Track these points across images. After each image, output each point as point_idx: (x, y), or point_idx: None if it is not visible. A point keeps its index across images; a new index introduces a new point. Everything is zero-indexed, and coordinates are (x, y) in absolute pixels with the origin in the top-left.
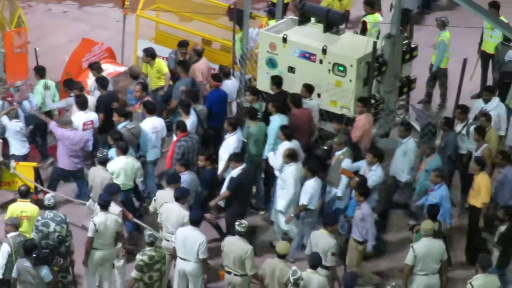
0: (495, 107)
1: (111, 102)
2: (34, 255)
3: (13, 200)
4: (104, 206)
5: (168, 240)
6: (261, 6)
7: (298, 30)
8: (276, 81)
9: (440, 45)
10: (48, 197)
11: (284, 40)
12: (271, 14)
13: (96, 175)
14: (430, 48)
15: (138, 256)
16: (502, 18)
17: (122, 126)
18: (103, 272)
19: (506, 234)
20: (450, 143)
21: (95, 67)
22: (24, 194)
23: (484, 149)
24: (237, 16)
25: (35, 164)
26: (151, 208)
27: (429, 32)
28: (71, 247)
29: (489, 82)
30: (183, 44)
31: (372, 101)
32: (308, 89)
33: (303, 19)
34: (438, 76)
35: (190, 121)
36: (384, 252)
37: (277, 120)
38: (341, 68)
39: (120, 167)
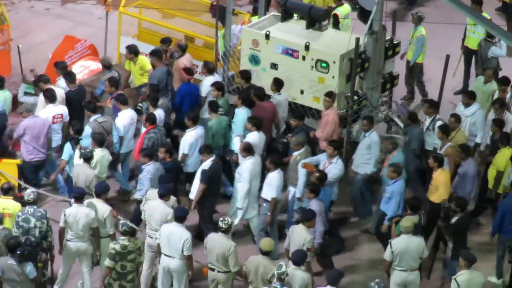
0: (472, 113)
1: (80, 97)
2: (18, 252)
3: None
4: (79, 199)
5: (151, 237)
6: (244, 2)
7: (281, 27)
8: (245, 75)
9: (418, 40)
10: (28, 193)
11: (267, 36)
12: (254, 11)
13: (80, 172)
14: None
15: (111, 245)
16: (484, 14)
17: (93, 119)
18: (82, 266)
19: (458, 225)
20: (415, 138)
21: (60, 67)
22: (6, 191)
23: (447, 148)
24: (219, 13)
25: (18, 161)
26: (141, 206)
27: (411, 29)
28: (53, 243)
29: (472, 78)
30: (165, 41)
31: (355, 97)
32: (277, 84)
33: (286, 16)
34: (414, 72)
35: (157, 114)
36: (341, 250)
37: (242, 113)
38: (324, 65)
39: (96, 159)
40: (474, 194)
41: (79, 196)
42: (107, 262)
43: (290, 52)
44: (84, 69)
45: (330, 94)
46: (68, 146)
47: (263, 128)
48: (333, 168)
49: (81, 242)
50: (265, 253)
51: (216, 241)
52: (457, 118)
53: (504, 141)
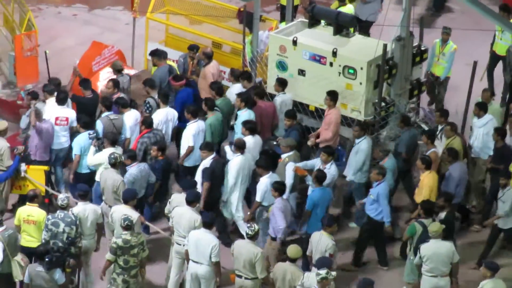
0: (484, 124)
1: (94, 104)
2: (47, 260)
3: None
4: (83, 196)
5: (179, 244)
6: (271, 9)
7: (308, 33)
8: (246, 75)
9: (452, 55)
10: (62, 197)
11: (294, 42)
12: (282, 17)
13: (108, 178)
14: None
15: (113, 239)
16: None
17: (105, 115)
18: (85, 261)
19: (447, 220)
20: (402, 141)
21: (47, 90)
22: (31, 198)
23: (431, 153)
24: (247, 19)
25: (46, 167)
26: (166, 210)
27: (439, 35)
28: (81, 249)
29: (499, 83)
30: (192, 48)
31: (383, 104)
32: (281, 83)
33: (313, 22)
34: (442, 85)
35: (167, 111)
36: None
37: (245, 114)
38: (351, 71)
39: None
40: (459, 199)
41: (84, 193)
42: (108, 255)
43: (317, 58)
44: (111, 75)
45: (331, 93)
46: (78, 140)
47: (264, 128)
48: (327, 173)
49: (87, 240)
50: (292, 260)
51: (243, 248)
52: (453, 126)
53: None
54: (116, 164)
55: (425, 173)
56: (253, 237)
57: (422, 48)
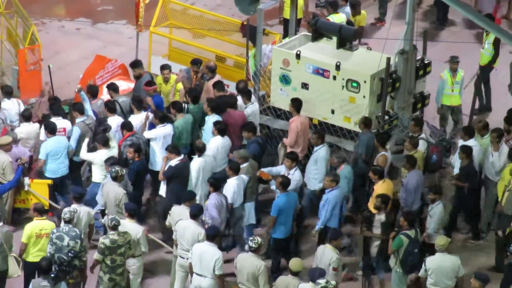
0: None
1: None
2: (52, 275)
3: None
4: (78, 199)
5: (183, 257)
6: (274, 22)
7: (312, 46)
8: (218, 84)
9: (462, 81)
10: (66, 211)
11: (298, 56)
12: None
13: (110, 191)
14: (444, 64)
15: (101, 239)
16: None
17: (80, 120)
18: None
19: (387, 222)
20: (362, 143)
21: (112, 88)
22: (40, 212)
23: (380, 156)
24: (250, 33)
25: (49, 181)
26: (166, 223)
27: (442, 48)
28: (86, 263)
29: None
30: (196, 62)
31: (386, 117)
32: (246, 95)
33: (316, 35)
34: (455, 112)
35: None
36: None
37: (212, 120)
38: (354, 84)
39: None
40: (417, 205)
41: (79, 196)
42: (95, 255)
43: (321, 72)
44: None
45: (293, 101)
46: (45, 145)
47: (233, 136)
48: (290, 179)
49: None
50: (294, 273)
51: (246, 261)
52: (412, 140)
53: None
54: (118, 178)
55: (379, 183)
56: (256, 250)
57: (426, 62)
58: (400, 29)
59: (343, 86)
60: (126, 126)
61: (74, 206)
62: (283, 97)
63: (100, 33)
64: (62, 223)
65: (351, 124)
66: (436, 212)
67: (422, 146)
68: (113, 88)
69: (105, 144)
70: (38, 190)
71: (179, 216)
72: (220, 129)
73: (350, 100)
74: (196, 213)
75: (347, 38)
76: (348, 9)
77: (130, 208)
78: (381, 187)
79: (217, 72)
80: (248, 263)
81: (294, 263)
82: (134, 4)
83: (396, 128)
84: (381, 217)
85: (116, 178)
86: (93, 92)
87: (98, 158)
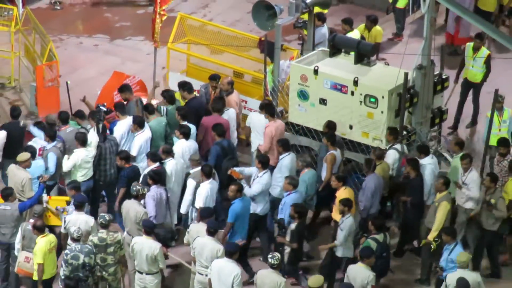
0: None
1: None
2: None
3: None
4: (79, 207)
5: (201, 274)
6: (292, 38)
7: (329, 62)
8: (188, 86)
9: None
10: (76, 229)
11: (316, 72)
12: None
13: (131, 209)
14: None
15: (90, 237)
16: None
17: (52, 145)
18: None
19: (297, 231)
20: (323, 149)
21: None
22: (42, 229)
23: (328, 154)
24: (268, 48)
25: (67, 198)
26: (184, 240)
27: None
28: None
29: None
30: (214, 77)
31: (404, 132)
32: (219, 101)
33: (334, 51)
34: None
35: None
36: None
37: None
38: (372, 100)
39: (81, 158)
40: (375, 209)
41: (80, 204)
42: None
43: (338, 87)
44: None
45: (265, 106)
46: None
47: (205, 141)
48: (257, 182)
49: None
50: None
51: (267, 277)
52: (377, 151)
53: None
54: (139, 196)
55: (341, 190)
56: (277, 267)
57: (443, 77)
58: (418, 44)
59: (361, 102)
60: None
61: (75, 213)
62: (301, 113)
63: (118, 49)
64: (71, 243)
65: (369, 139)
66: (346, 224)
67: (392, 156)
68: (79, 115)
69: (83, 143)
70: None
71: (197, 233)
72: (184, 132)
73: (368, 116)
74: (213, 230)
75: (365, 53)
76: (325, 29)
77: (148, 225)
78: (343, 193)
79: (235, 88)
80: (269, 280)
81: (314, 280)
82: (151, 20)
83: (414, 143)
84: (292, 226)
85: (137, 196)
86: (63, 118)
87: (76, 157)
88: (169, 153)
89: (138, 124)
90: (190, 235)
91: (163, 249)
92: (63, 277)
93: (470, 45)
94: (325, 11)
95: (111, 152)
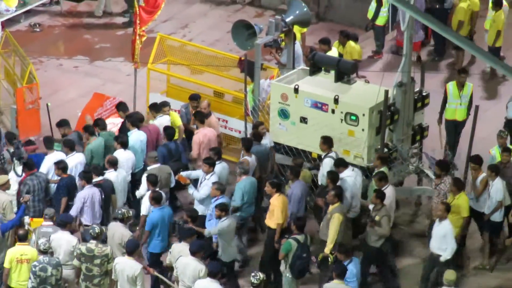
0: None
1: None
2: None
3: None
4: (63, 226)
5: None
6: (272, 57)
7: (310, 80)
8: (122, 105)
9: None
10: (43, 242)
11: (296, 90)
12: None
13: (116, 232)
14: (441, 95)
15: (78, 245)
16: None
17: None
18: None
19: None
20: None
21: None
22: (23, 237)
23: (243, 159)
24: (248, 68)
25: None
26: (167, 260)
27: (441, 80)
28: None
29: None
30: (194, 97)
31: (385, 150)
32: (153, 108)
33: (314, 69)
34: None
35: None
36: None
37: (135, 134)
38: (353, 118)
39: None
40: (301, 214)
41: (64, 223)
42: (74, 261)
43: (319, 106)
44: (113, 126)
45: (195, 114)
46: None
47: (148, 147)
48: (205, 185)
49: (65, 270)
50: None
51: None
52: (295, 162)
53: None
54: (124, 220)
55: (275, 196)
56: (258, 286)
57: (424, 94)
58: (398, 61)
59: (342, 120)
60: (28, 165)
61: (59, 232)
62: (282, 132)
63: (98, 70)
64: (39, 255)
65: (350, 157)
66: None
67: (329, 164)
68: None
69: (72, 149)
70: None
71: (179, 253)
72: (122, 142)
73: (349, 134)
74: (196, 250)
75: (345, 71)
76: (297, 46)
77: (130, 246)
78: (277, 200)
79: (216, 107)
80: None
81: None
82: (131, 41)
83: (395, 160)
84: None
85: (122, 219)
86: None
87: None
88: (114, 164)
89: (69, 147)
90: (172, 255)
91: (150, 270)
92: None
93: (452, 83)
94: (305, 29)
95: (39, 189)
